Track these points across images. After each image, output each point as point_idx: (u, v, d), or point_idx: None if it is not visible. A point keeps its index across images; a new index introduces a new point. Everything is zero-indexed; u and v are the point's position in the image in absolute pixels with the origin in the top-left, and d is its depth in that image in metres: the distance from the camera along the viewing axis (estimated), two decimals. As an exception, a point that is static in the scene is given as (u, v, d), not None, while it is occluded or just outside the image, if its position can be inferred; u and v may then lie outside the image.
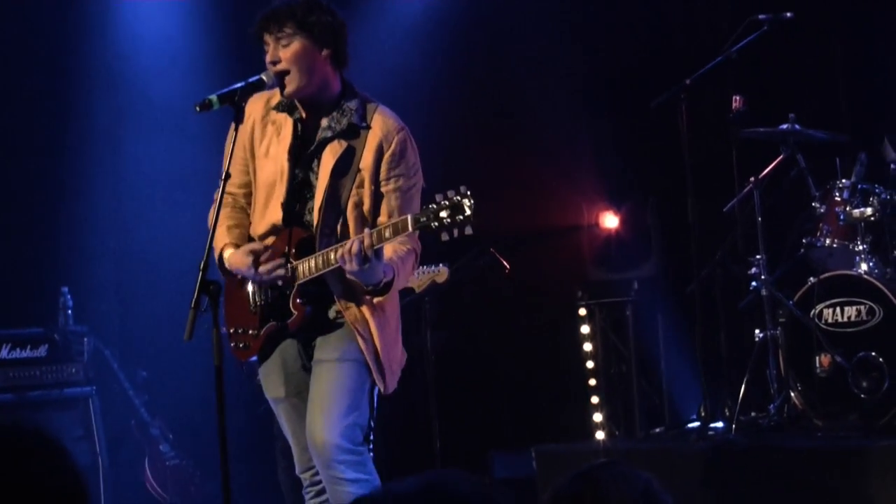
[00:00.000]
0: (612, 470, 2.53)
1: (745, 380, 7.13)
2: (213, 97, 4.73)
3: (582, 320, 8.42)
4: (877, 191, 7.13)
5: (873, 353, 6.77)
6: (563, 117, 8.72)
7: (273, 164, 4.93)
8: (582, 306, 8.41)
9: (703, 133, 7.54)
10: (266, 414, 6.84)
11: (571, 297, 8.46)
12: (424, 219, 4.39)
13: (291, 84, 4.81)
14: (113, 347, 8.22)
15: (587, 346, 8.37)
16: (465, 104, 8.94)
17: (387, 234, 4.52)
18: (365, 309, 4.81)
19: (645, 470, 5.92)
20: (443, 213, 4.34)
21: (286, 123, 4.93)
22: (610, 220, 8.69)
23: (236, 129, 4.76)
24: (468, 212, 4.30)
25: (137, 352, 8.45)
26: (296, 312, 4.83)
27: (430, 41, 8.99)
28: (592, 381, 8.34)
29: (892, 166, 7.18)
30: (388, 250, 4.72)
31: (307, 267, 4.78)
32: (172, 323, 5.36)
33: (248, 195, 5.06)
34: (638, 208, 8.61)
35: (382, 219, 4.77)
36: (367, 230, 4.58)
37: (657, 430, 7.81)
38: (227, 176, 4.71)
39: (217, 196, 4.76)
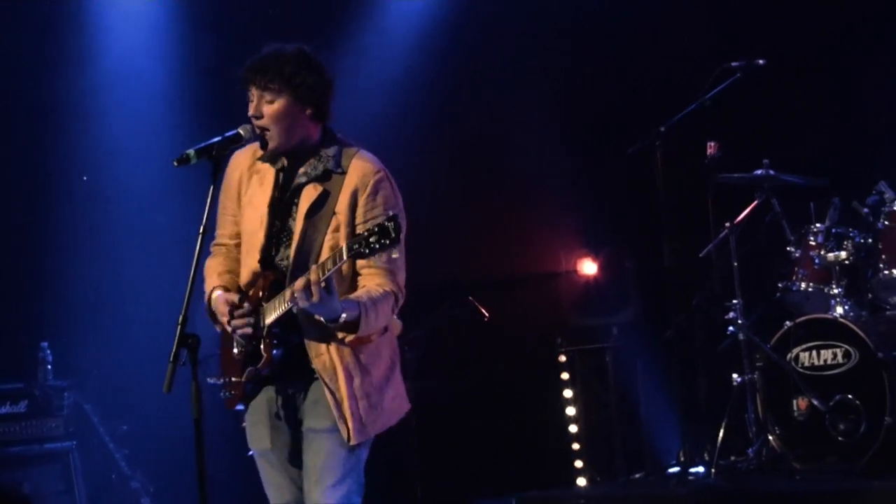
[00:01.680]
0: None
1: (723, 424, 7.17)
2: (191, 151, 4.76)
3: (562, 367, 8.44)
4: (851, 234, 7.21)
5: (850, 396, 6.81)
6: (540, 165, 8.78)
7: (254, 212, 4.95)
8: (562, 353, 8.44)
9: (678, 179, 7.59)
10: (252, 463, 6.83)
11: (551, 343, 8.49)
12: (357, 245, 4.46)
13: (272, 141, 4.82)
14: (93, 402, 8.20)
15: (567, 393, 8.39)
16: (442, 153, 8.99)
17: (329, 265, 4.54)
18: (336, 358, 4.79)
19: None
20: (372, 239, 4.42)
21: (269, 173, 4.95)
22: (588, 267, 8.74)
23: (214, 183, 4.79)
24: (393, 234, 4.40)
25: (118, 406, 8.43)
26: (264, 355, 4.84)
27: (410, 89, 9.06)
28: (573, 428, 8.36)
29: (866, 210, 7.24)
30: (361, 290, 4.76)
31: (272, 307, 4.79)
32: (152, 377, 5.36)
33: (240, 245, 5.09)
34: (616, 254, 8.66)
35: (361, 262, 4.78)
36: (313, 266, 4.61)
37: (637, 475, 7.82)
38: (206, 230, 4.74)
39: (198, 247, 4.76)
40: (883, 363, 6.68)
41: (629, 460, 8.10)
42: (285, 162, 4.92)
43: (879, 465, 6.60)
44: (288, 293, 4.65)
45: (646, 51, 8.85)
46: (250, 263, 4.94)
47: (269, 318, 4.80)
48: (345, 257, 4.48)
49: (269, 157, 4.92)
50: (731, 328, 7.35)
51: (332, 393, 4.78)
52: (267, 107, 4.78)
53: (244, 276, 4.97)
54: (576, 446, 8.31)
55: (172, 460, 7.74)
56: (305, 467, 4.89)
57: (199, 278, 4.75)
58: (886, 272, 6.99)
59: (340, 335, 4.76)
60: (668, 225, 7.39)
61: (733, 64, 7.49)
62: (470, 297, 8.02)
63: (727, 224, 7.48)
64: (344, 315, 4.64)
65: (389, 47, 9.20)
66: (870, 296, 7.24)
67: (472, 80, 9.14)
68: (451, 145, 9.10)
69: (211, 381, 4.96)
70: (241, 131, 4.85)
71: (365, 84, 8.68)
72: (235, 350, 4.96)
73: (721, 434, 7.13)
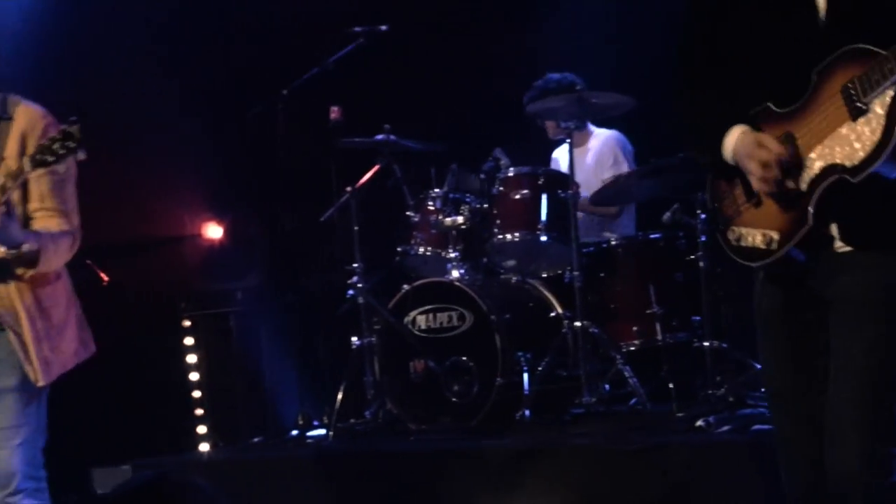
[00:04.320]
0: (168, 482, 2.50)
1: (342, 387, 7.22)
2: None
3: (185, 332, 8.35)
4: (467, 200, 7.37)
5: (464, 358, 6.96)
6: (163, 127, 8.61)
7: None
8: (185, 317, 8.34)
9: (301, 143, 7.60)
10: None
11: (175, 308, 8.38)
12: (40, 155, 4.45)
13: None
14: None
15: (191, 358, 8.30)
16: (62, 115, 8.69)
17: (9, 185, 4.54)
18: (17, 300, 4.75)
19: (244, 480, 5.93)
20: (56, 146, 4.42)
21: None
22: (213, 231, 8.68)
23: None
24: (78, 135, 4.42)
25: None
26: None
27: (31, 48, 8.73)
28: (196, 393, 8.29)
29: (482, 176, 7.42)
30: (38, 224, 4.74)
31: None
32: None
33: None
34: (241, 218, 8.62)
35: (34, 204, 4.77)
36: None
37: (257, 439, 7.82)
38: None
39: None
40: (495, 325, 6.86)
41: (253, 425, 8.09)
42: None
43: (491, 423, 6.79)
44: None
45: (270, 14, 8.80)
46: None
47: None
48: (28, 169, 4.47)
49: None
50: (350, 292, 7.41)
51: (17, 336, 4.74)
52: None
53: None
54: (199, 412, 8.24)
55: None
56: None
57: None
58: (500, 237, 7.16)
59: (20, 271, 4.71)
60: (291, 189, 7.40)
61: (356, 29, 7.56)
62: (88, 261, 7.80)
63: (348, 188, 7.54)
64: (26, 245, 4.61)
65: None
66: (485, 260, 7.43)
67: (92, 34, 8.86)
68: (69, 109, 8.81)
69: None
70: None
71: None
72: None
73: (340, 397, 7.19)
